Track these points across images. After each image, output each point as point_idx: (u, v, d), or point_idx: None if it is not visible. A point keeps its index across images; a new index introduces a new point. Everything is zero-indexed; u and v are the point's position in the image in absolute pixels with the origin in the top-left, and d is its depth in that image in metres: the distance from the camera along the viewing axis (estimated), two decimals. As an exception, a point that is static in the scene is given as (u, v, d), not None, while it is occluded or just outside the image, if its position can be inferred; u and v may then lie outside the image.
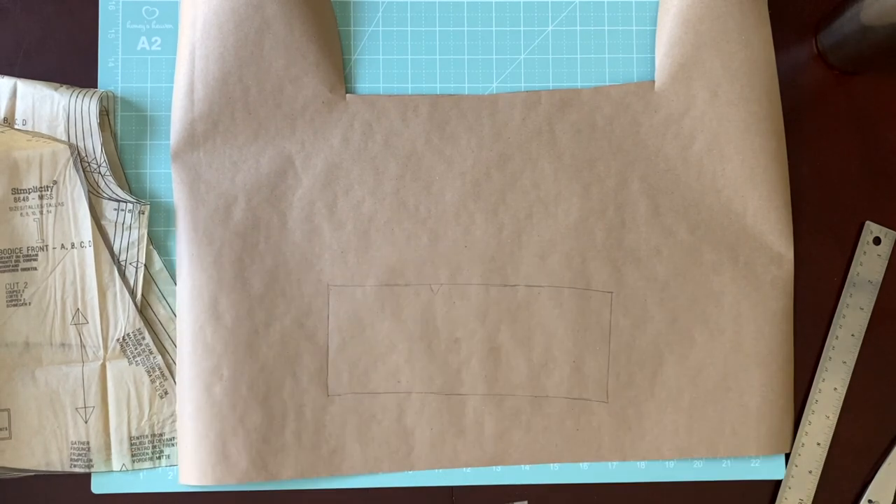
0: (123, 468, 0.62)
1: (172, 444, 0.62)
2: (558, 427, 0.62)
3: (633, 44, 0.65)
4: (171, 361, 0.62)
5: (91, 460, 0.61)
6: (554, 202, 0.63)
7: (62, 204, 0.62)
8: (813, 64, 0.66)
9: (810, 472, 0.63)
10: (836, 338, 0.64)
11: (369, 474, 0.62)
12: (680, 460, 0.63)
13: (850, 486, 0.64)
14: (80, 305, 0.62)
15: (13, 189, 0.62)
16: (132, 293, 0.62)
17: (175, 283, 0.63)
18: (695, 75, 0.62)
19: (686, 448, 0.62)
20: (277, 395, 0.61)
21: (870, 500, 0.63)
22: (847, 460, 0.64)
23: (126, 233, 0.62)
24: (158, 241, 0.63)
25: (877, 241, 0.65)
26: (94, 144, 0.62)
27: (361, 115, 0.63)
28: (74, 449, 0.62)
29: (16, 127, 0.61)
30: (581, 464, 0.63)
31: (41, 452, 0.62)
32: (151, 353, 0.62)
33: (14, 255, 0.62)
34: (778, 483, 0.64)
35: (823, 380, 0.64)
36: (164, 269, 0.63)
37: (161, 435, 0.62)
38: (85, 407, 0.62)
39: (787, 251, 0.63)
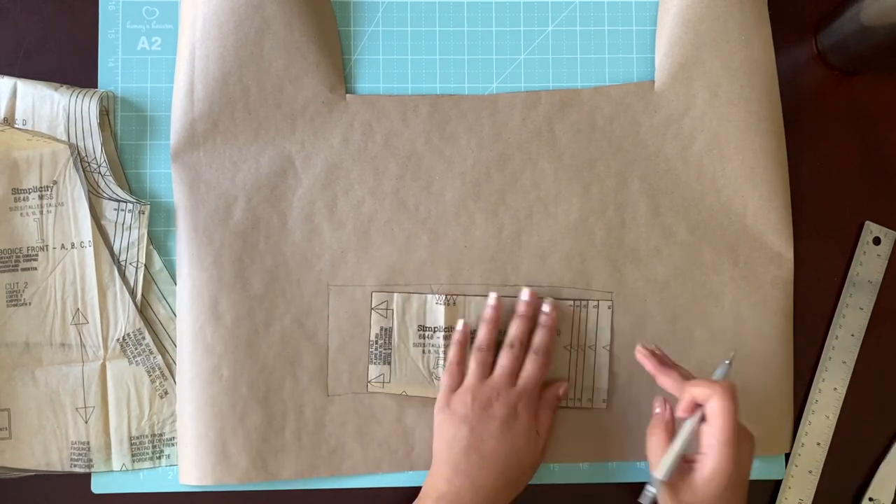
0: (123, 468, 0.62)
1: (172, 444, 0.62)
2: (558, 427, 0.62)
3: (633, 44, 0.65)
4: (171, 361, 0.62)
5: (91, 460, 0.61)
6: (554, 202, 0.63)
7: (62, 204, 0.62)
8: (813, 64, 0.66)
9: (810, 472, 0.63)
10: (836, 338, 0.64)
11: (369, 474, 0.62)
12: (680, 460, 0.63)
13: (850, 486, 0.64)
14: (80, 305, 0.62)
15: (13, 189, 0.62)
16: (132, 293, 0.62)
17: (175, 283, 0.62)
18: (695, 75, 0.62)
19: (686, 448, 0.62)
20: (277, 395, 0.61)
21: (870, 499, 0.63)
22: (847, 460, 0.64)
23: (126, 233, 0.62)
24: (158, 241, 0.63)
25: (877, 241, 0.65)
26: (94, 144, 0.62)
27: (361, 115, 0.63)
28: (74, 449, 0.61)
29: (16, 127, 0.61)
30: (581, 464, 0.63)
31: (41, 452, 0.62)
32: (151, 352, 0.62)
33: (14, 255, 0.62)
34: (778, 483, 0.64)
35: (823, 380, 0.64)
36: (164, 269, 0.63)
37: (161, 435, 0.62)
38: (85, 407, 0.62)
39: (787, 251, 0.63)
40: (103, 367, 0.62)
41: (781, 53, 0.64)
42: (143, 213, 0.62)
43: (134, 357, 0.62)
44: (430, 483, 0.58)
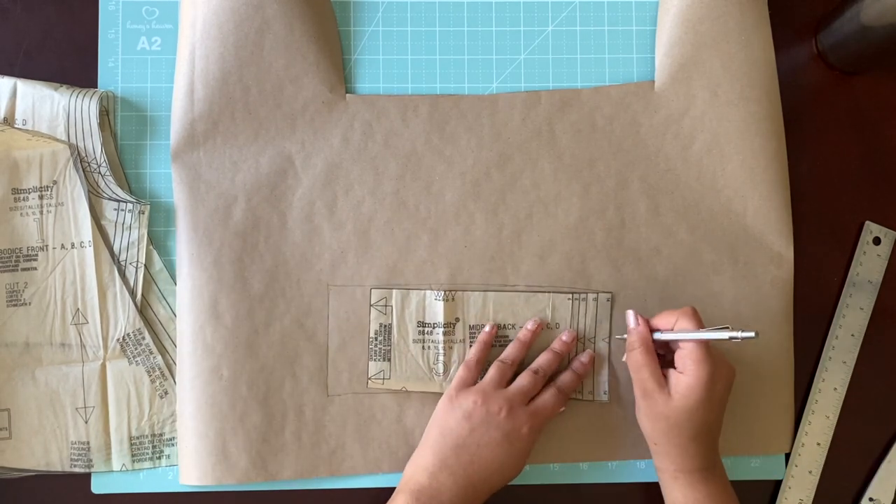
0: (123, 468, 0.62)
1: (172, 444, 0.62)
2: (559, 427, 0.62)
3: (633, 44, 0.65)
4: (171, 361, 0.62)
5: (91, 460, 0.61)
6: (554, 202, 0.63)
7: (62, 204, 0.62)
8: (813, 64, 0.66)
9: (810, 472, 0.63)
10: (836, 338, 0.64)
11: (369, 474, 0.62)
12: (680, 460, 0.63)
13: (850, 486, 0.64)
14: (80, 305, 0.62)
15: (13, 189, 0.62)
16: (132, 293, 0.62)
17: (175, 283, 0.62)
18: (695, 75, 0.62)
19: (686, 448, 0.62)
20: (277, 395, 0.61)
21: (871, 499, 0.63)
22: (847, 460, 0.64)
23: (126, 233, 0.62)
24: (158, 241, 0.63)
25: (877, 241, 0.65)
26: (94, 144, 0.62)
27: (361, 115, 0.63)
28: (74, 449, 0.61)
29: (16, 127, 0.61)
30: (581, 464, 0.63)
31: (41, 452, 0.62)
32: (151, 352, 0.62)
33: (14, 255, 0.62)
34: (778, 483, 0.64)
35: (823, 380, 0.64)
36: (164, 269, 0.63)
37: (161, 435, 0.62)
38: (85, 407, 0.62)
39: (787, 251, 0.63)
40: (103, 367, 0.62)
41: (781, 53, 0.64)
42: (143, 213, 0.62)
43: (134, 357, 0.62)
44: (411, 471, 0.58)
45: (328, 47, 0.63)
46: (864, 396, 0.64)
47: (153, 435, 0.62)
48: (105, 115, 0.63)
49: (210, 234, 0.62)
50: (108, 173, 0.62)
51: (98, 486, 0.62)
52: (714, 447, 0.56)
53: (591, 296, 0.62)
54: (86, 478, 0.62)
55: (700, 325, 0.55)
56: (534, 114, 0.63)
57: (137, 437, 0.62)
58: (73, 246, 0.62)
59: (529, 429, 0.58)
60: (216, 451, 0.61)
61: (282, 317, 0.62)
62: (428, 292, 0.62)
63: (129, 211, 0.62)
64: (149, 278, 0.63)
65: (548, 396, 0.59)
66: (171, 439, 0.62)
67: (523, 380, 0.59)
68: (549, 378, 0.61)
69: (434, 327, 0.62)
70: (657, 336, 0.57)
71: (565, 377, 0.61)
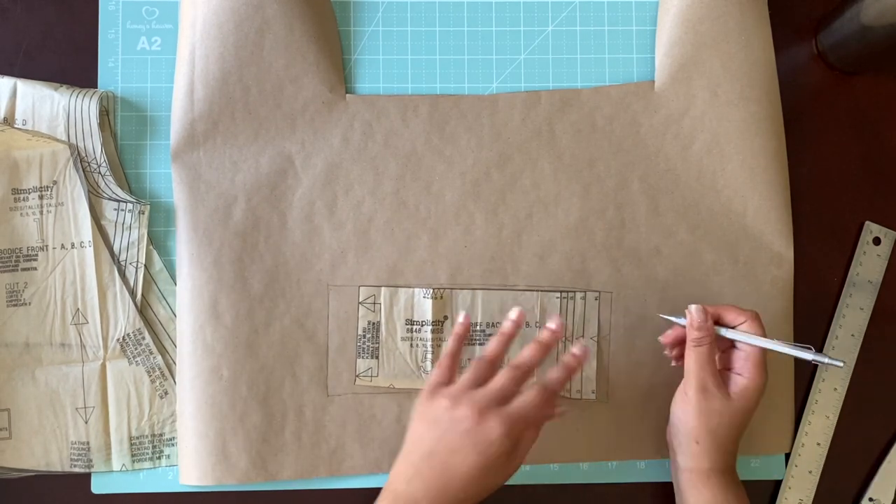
0: (123, 468, 0.62)
1: (172, 444, 0.62)
2: (558, 427, 0.62)
3: (633, 44, 0.65)
4: (171, 361, 0.62)
5: (91, 460, 0.61)
6: (554, 202, 0.63)
7: (62, 204, 0.62)
8: (813, 64, 0.66)
9: (810, 472, 0.63)
10: (836, 338, 0.64)
11: (369, 474, 0.62)
12: (680, 460, 0.63)
13: (850, 486, 0.64)
14: (80, 305, 0.62)
15: (13, 189, 0.62)
16: (132, 293, 0.62)
17: (175, 283, 0.62)
18: (695, 75, 0.62)
19: (686, 448, 0.62)
20: (277, 395, 0.61)
21: (871, 499, 0.63)
22: (847, 460, 0.64)
23: (126, 233, 0.62)
24: (158, 241, 0.63)
25: (877, 241, 0.65)
26: (94, 144, 0.62)
27: (361, 115, 0.63)
28: (74, 449, 0.61)
29: (16, 127, 0.61)
30: (581, 464, 0.63)
31: (41, 452, 0.62)
32: (151, 353, 0.62)
33: (14, 255, 0.62)
34: (778, 483, 0.64)
35: (823, 380, 0.64)
36: (164, 269, 0.63)
37: (161, 435, 0.62)
38: (85, 407, 0.62)
39: (787, 251, 0.63)
40: (103, 367, 0.62)
41: (781, 53, 0.64)
42: (143, 213, 0.62)
43: (134, 357, 0.62)
44: (392, 475, 0.54)
45: (328, 47, 0.63)
46: (864, 396, 0.64)
47: (153, 435, 0.62)
48: (105, 115, 0.63)
49: (210, 234, 0.62)
50: (108, 173, 0.62)
51: (98, 486, 0.62)
52: (736, 452, 0.58)
53: (579, 294, 0.62)
54: (86, 478, 0.62)
55: (763, 331, 0.56)
56: (534, 114, 0.63)
57: (137, 438, 0.62)
58: (73, 246, 0.62)
59: (503, 434, 0.51)
60: (216, 451, 0.61)
61: (282, 317, 0.62)
62: (416, 290, 0.62)
63: (129, 211, 0.62)
64: (149, 278, 0.63)
65: (528, 396, 0.53)
66: (171, 439, 0.62)
67: (500, 378, 0.53)
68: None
69: (422, 325, 0.62)
70: (727, 333, 0.56)
71: (553, 372, 0.54)
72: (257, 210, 0.62)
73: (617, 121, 0.63)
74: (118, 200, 0.62)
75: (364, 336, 0.62)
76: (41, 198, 0.62)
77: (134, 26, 0.64)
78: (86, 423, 0.62)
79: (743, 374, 0.56)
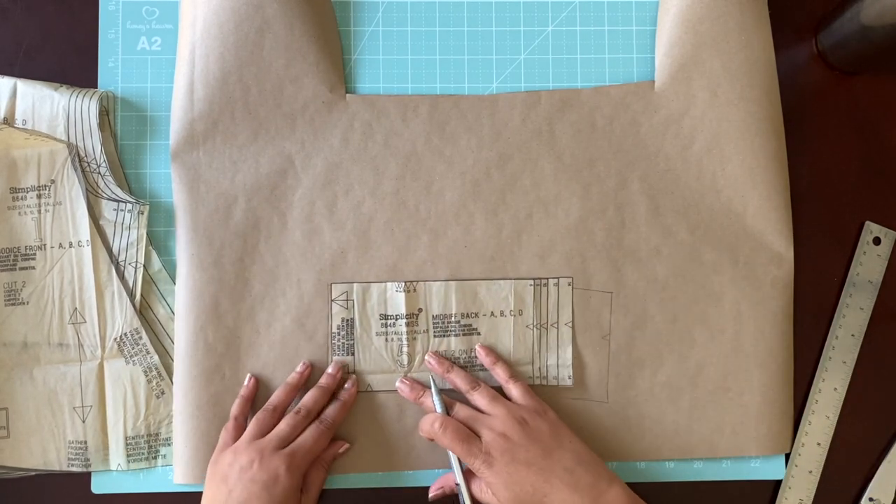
0: (119, 468, 0.61)
1: (168, 444, 0.62)
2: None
3: (633, 44, 0.65)
4: (169, 362, 0.62)
5: (88, 460, 0.61)
6: (554, 202, 0.63)
7: (60, 203, 0.62)
8: (813, 64, 0.66)
9: (810, 472, 0.63)
10: (836, 338, 0.64)
11: (369, 474, 0.62)
12: (680, 460, 0.63)
13: (850, 486, 0.64)
14: (77, 305, 0.62)
15: (11, 188, 0.61)
16: (130, 293, 0.62)
17: (174, 284, 0.62)
18: (695, 75, 0.62)
19: (686, 448, 0.62)
20: (277, 395, 0.61)
21: (871, 499, 0.63)
22: (847, 460, 0.64)
23: (125, 233, 0.62)
24: (158, 241, 0.63)
25: (877, 241, 0.65)
26: (93, 144, 0.61)
27: (361, 115, 0.63)
28: (72, 448, 0.61)
29: (14, 126, 0.61)
30: (581, 464, 0.63)
31: (39, 452, 0.61)
32: (148, 352, 0.62)
33: (12, 254, 0.62)
34: (778, 483, 0.63)
35: (823, 380, 0.64)
36: (164, 269, 0.63)
37: (157, 435, 0.62)
38: (82, 406, 0.62)
39: (787, 251, 0.63)
40: (101, 366, 0.62)
41: (781, 53, 0.64)
42: (143, 214, 0.62)
43: (131, 357, 0.62)
44: None
45: (328, 47, 0.63)
46: (864, 396, 0.64)
47: (149, 435, 0.62)
48: (105, 115, 0.63)
49: (210, 234, 0.62)
50: (107, 173, 0.62)
51: (98, 486, 0.62)
52: (596, 472, 0.56)
53: (552, 281, 0.62)
54: (85, 478, 0.62)
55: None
56: (534, 114, 0.63)
57: (133, 437, 0.62)
58: (70, 245, 0.62)
59: (287, 470, 0.56)
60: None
61: (282, 317, 0.62)
62: (389, 284, 0.62)
63: (129, 211, 0.62)
64: (148, 278, 0.62)
65: (307, 434, 0.58)
66: (167, 439, 0.62)
67: (282, 424, 0.58)
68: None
69: (396, 319, 0.62)
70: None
71: (329, 410, 0.60)
72: (257, 210, 0.62)
73: (617, 121, 0.63)
74: (117, 200, 0.62)
75: (339, 333, 0.62)
76: (39, 197, 0.62)
77: (134, 26, 0.64)
78: (83, 422, 0.61)
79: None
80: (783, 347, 0.62)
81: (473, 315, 0.62)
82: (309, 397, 0.60)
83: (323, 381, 0.61)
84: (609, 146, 0.63)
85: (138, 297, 0.62)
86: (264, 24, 0.61)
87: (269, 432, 0.58)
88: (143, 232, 0.62)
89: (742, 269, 0.63)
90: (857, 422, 0.64)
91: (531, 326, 0.62)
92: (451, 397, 0.61)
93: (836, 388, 0.64)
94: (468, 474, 0.58)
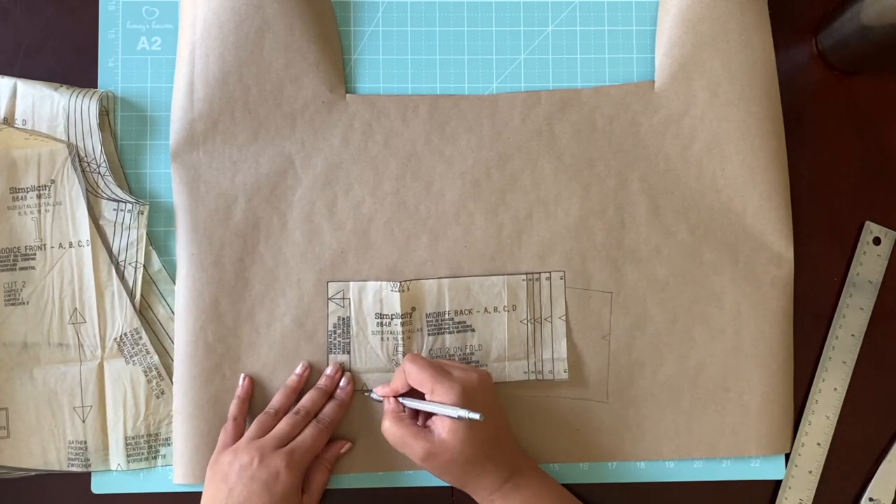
0: (119, 468, 0.61)
1: (168, 444, 0.62)
2: (558, 427, 0.62)
3: (633, 44, 0.65)
4: (169, 361, 0.62)
5: (88, 460, 0.61)
6: (554, 202, 0.63)
7: (60, 203, 0.62)
8: (813, 64, 0.66)
9: (810, 472, 0.63)
10: (836, 338, 0.64)
11: (369, 474, 0.62)
12: (680, 460, 0.63)
13: (850, 486, 0.64)
14: (77, 305, 0.62)
15: (11, 188, 0.61)
16: (130, 293, 0.62)
17: (174, 284, 0.62)
18: (695, 75, 0.62)
19: (686, 448, 0.62)
20: (277, 395, 0.61)
21: (871, 499, 0.63)
22: (847, 460, 0.64)
23: (125, 233, 0.62)
24: (158, 241, 0.63)
25: (877, 241, 0.65)
26: (93, 144, 0.61)
27: (361, 115, 0.63)
28: (72, 448, 0.61)
29: (14, 126, 0.61)
30: (581, 464, 0.63)
31: (39, 452, 0.61)
32: (148, 352, 0.62)
33: (12, 254, 0.62)
34: (778, 483, 0.63)
35: (823, 380, 0.64)
36: (164, 269, 0.63)
37: (157, 435, 0.62)
38: (82, 406, 0.62)
39: (787, 251, 0.63)
40: (101, 366, 0.62)
41: (781, 53, 0.64)
42: (143, 214, 0.62)
43: (131, 357, 0.62)
44: None
45: (328, 47, 0.63)
46: (864, 396, 0.64)
47: (149, 435, 0.62)
48: (105, 115, 0.63)
49: (210, 234, 0.62)
50: (107, 173, 0.62)
51: (98, 486, 0.62)
52: (513, 453, 0.58)
53: (544, 275, 0.62)
54: (86, 478, 0.62)
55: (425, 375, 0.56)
56: (534, 114, 0.63)
57: (133, 437, 0.62)
58: (70, 245, 0.62)
59: (286, 467, 0.56)
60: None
61: (282, 317, 0.62)
62: (384, 283, 0.62)
63: (129, 211, 0.62)
64: (148, 278, 0.62)
65: (305, 433, 0.58)
66: (167, 439, 0.62)
67: (281, 425, 0.59)
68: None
69: (392, 318, 0.62)
70: (407, 403, 0.58)
71: (326, 409, 0.60)
72: (257, 210, 0.62)
73: (617, 121, 0.63)
74: (117, 200, 0.62)
75: (335, 332, 0.62)
76: (39, 197, 0.62)
77: (134, 26, 0.64)
78: (83, 422, 0.61)
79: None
80: (783, 347, 0.62)
81: (467, 312, 0.62)
82: (308, 398, 0.60)
83: (322, 382, 0.61)
84: (609, 146, 0.63)
85: (138, 297, 0.62)
86: (264, 24, 0.61)
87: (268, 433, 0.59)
88: (143, 232, 0.62)
89: (742, 269, 0.63)
90: (857, 422, 0.64)
91: (525, 321, 0.62)
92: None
93: (836, 388, 0.64)
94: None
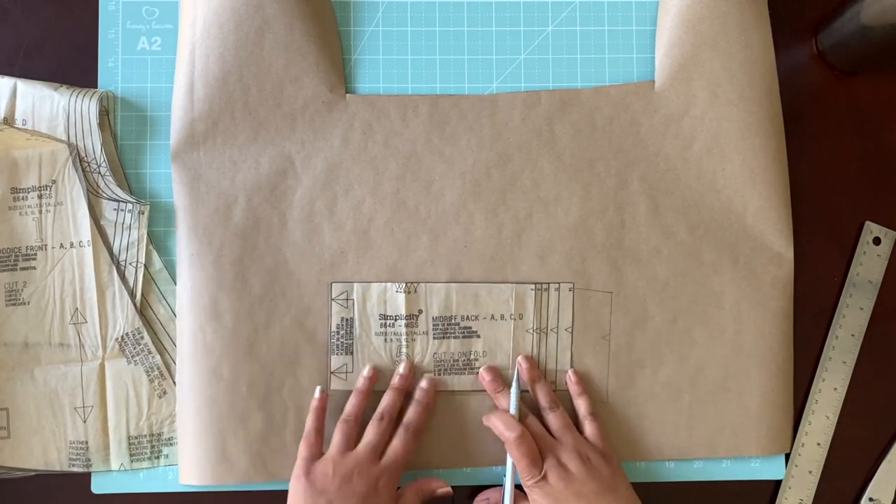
0: (122, 468, 0.62)
1: (171, 444, 0.62)
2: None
3: (633, 44, 0.65)
4: (170, 361, 0.62)
5: (89, 460, 0.61)
6: (554, 202, 0.63)
7: (61, 203, 0.62)
8: (813, 64, 0.66)
9: (810, 472, 0.63)
10: (836, 338, 0.64)
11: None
12: (680, 460, 0.63)
13: (850, 486, 0.64)
14: (78, 305, 0.62)
15: (12, 188, 0.62)
16: (131, 293, 0.62)
17: (175, 283, 0.62)
18: (695, 75, 0.62)
19: (686, 448, 0.62)
20: (277, 395, 0.61)
21: (871, 499, 0.63)
22: (847, 460, 0.64)
23: (126, 233, 0.62)
24: (158, 241, 0.63)
25: (877, 241, 0.65)
26: (93, 144, 0.61)
27: (361, 115, 0.63)
28: (73, 448, 0.61)
29: (15, 126, 0.61)
30: (581, 464, 0.63)
31: (40, 452, 0.61)
32: (150, 352, 0.62)
33: (13, 254, 0.62)
34: (778, 483, 0.64)
35: (823, 380, 0.64)
36: (164, 269, 0.63)
37: (160, 434, 0.62)
38: (83, 406, 0.62)
39: (787, 251, 0.63)
40: (102, 366, 0.62)
41: (781, 53, 0.64)
42: (143, 214, 0.62)
43: (132, 357, 0.62)
44: None
45: (328, 47, 0.63)
46: (864, 396, 0.64)
47: (151, 434, 0.62)
48: (105, 115, 0.63)
49: (210, 234, 0.62)
50: (107, 173, 0.62)
51: (98, 486, 0.62)
52: (615, 474, 0.58)
53: (553, 286, 0.62)
54: (86, 478, 0.62)
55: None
56: (534, 114, 0.63)
57: (136, 437, 0.62)
58: (71, 245, 0.62)
59: (385, 482, 0.57)
60: (216, 451, 0.60)
61: (282, 317, 0.62)
62: (388, 285, 0.62)
63: (129, 211, 0.62)
64: (149, 278, 0.62)
65: (395, 443, 0.59)
66: (169, 439, 0.62)
67: (369, 434, 0.59)
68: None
69: (396, 319, 0.62)
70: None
71: (410, 413, 0.60)
72: (257, 210, 0.62)
73: (617, 121, 0.63)
74: (118, 200, 0.62)
75: (338, 332, 0.62)
76: (40, 197, 0.62)
77: (134, 26, 0.64)
78: (84, 422, 0.62)
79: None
80: (783, 347, 0.62)
81: (473, 318, 0.62)
82: (388, 402, 0.60)
83: (396, 382, 0.61)
84: (609, 146, 0.63)
85: (139, 296, 0.62)
86: (264, 24, 0.61)
87: (355, 442, 0.59)
88: (144, 232, 0.62)
89: (742, 269, 0.63)
90: (857, 422, 0.64)
91: (531, 330, 0.62)
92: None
93: (836, 388, 0.64)
94: (517, 489, 0.59)
